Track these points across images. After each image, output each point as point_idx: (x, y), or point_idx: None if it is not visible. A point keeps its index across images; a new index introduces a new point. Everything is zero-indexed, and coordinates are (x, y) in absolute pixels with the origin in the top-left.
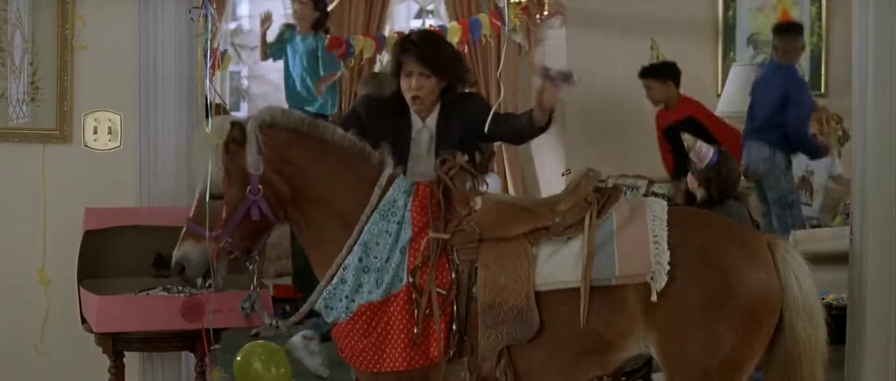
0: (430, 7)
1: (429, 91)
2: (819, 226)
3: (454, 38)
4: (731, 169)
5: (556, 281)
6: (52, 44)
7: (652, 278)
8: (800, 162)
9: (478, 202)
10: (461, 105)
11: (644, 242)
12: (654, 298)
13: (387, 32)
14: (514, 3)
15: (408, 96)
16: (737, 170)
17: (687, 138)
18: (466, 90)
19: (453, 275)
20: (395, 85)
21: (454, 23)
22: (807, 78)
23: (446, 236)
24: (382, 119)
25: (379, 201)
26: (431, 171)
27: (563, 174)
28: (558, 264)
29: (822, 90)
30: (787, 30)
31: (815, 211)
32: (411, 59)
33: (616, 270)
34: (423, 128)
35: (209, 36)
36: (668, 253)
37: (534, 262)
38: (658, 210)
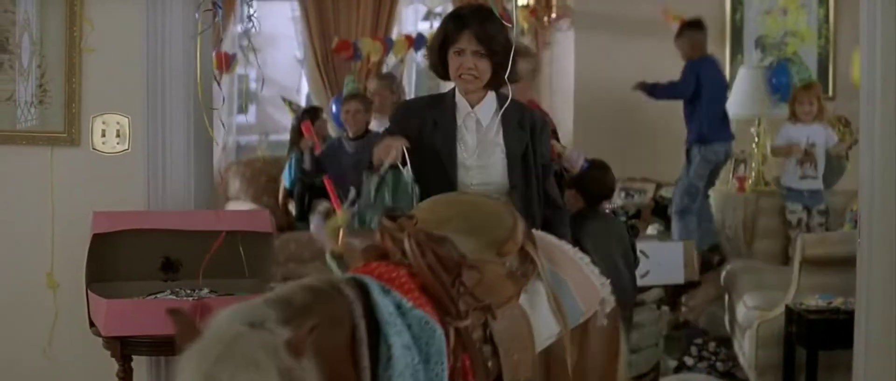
0: (439, 10)
1: (482, 71)
2: (827, 229)
3: None
4: (603, 175)
5: (550, 336)
6: (61, 46)
7: (602, 305)
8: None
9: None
10: (529, 110)
11: (583, 271)
12: (603, 322)
13: (394, 35)
14: (522, 5)
15: (455, 74)
16: (611, 177)
17: (556, 145)
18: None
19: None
20: (439, 64)
21: None
22: (814, 79)
23: (468, 322)
24: (424, 110)
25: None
26: (484, 160)
27: None
28: (543, 319)
29: (830, 93)
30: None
31: (819, 182)
32: (466, 35)
33: (581, 307)
34: (471, 114)
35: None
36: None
37: (530, 324)
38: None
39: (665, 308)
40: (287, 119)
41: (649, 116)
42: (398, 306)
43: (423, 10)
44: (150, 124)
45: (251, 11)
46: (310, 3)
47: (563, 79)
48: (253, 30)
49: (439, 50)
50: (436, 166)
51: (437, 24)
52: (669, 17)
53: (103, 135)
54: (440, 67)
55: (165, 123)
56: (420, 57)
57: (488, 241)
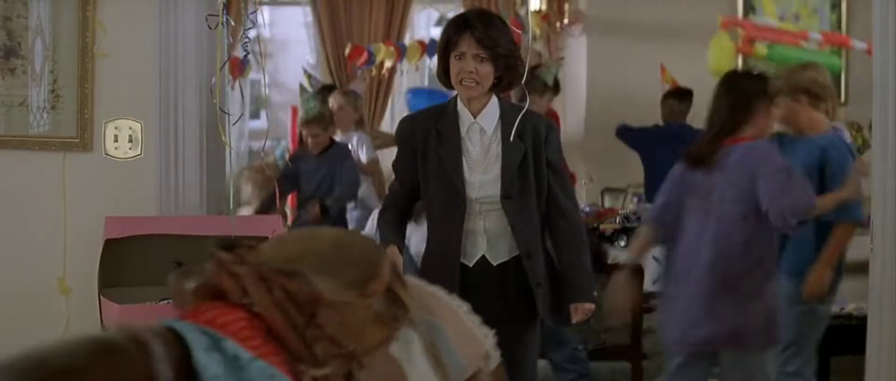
0: (451, 15)
1: (483, 76)
2: None
3: None
4: None
5: None
6: (73, 52)
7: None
8: None
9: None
10: (534, 117)
11: (463, 322)
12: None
13: (406, 41)
14: (534, 11)
15: (457, 79)
16: None
17: None
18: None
19: None
20: (443, 71)
21: None
22: None
23: (326, 371)
24: (428, 122)
25: None
26: (489, 172)
27: (585, 183)
28: (419, 372)
29: (843, 99)
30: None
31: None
32: (466, 38)
33: (462, 362)
34: (474, 124)
35: (227, 42)
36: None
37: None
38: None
39: None
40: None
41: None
42: (234, 359)
43: (435, 15)
44: (162, 129)
45: (255, 15)
46: (322, 8)
47: (575, 85)
48: (261, 34)
49: (442, 56)
50: (443, 180)
51: None
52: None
53: (116, 140)
54: (444, 74)
55: (178, 129)
56: (433, 63)
57: (349, 280)
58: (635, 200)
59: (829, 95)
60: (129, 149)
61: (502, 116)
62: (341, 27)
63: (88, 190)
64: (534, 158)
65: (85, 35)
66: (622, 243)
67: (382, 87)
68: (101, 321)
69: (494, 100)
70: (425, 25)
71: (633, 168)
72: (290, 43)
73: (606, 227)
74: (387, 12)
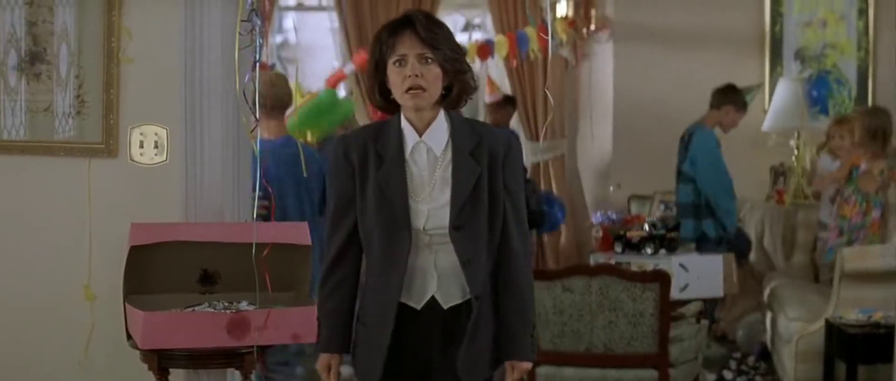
0: (477, 20)
1: (431, 80)
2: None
3: (501, 52)
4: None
5: None
6: (99, 57)
7: None
8: None
9: None
10: (491, 134)
11: None
12: None
13: None
14: (560, 17)
15: (401, 90)
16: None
17: None
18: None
19: None
20: (373, 91)
21: (501, 36)
22: (854, 92)
23: None
24: (367, 143)
25: None
26: (437, 199)
27: (612, 189)
28: None
29: (870, 103)
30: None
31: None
32: (406, 38)
33: None
34: (420, 145)
35: (260, 45)
36: None
37: None
38: None
39: (704, 322)
40: None
41: None
42: None
43: (461, 20)
44: (188, 135)
45: (282, 21)
46: (348, 13)
47: (602, 91)
48: (288, 40)
49: (376, 70)
50: (384, 209)
51: (477, 35)
52: None
53: (141, 146)
54: (379, 95)
55: (204, 134)
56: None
57: None
58: (662, 206)
59: None
60: (155, 155)
61: (453, 133)
62: (367, 32)
63: (114, 196)
64: (489, 182)
65: (110, 40)
66: (649, 251)
67: None
68: (126, 328)
69: (443, 115)
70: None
71: (659, 175)
72: (316, 49)
73: (633, 234)
74: None
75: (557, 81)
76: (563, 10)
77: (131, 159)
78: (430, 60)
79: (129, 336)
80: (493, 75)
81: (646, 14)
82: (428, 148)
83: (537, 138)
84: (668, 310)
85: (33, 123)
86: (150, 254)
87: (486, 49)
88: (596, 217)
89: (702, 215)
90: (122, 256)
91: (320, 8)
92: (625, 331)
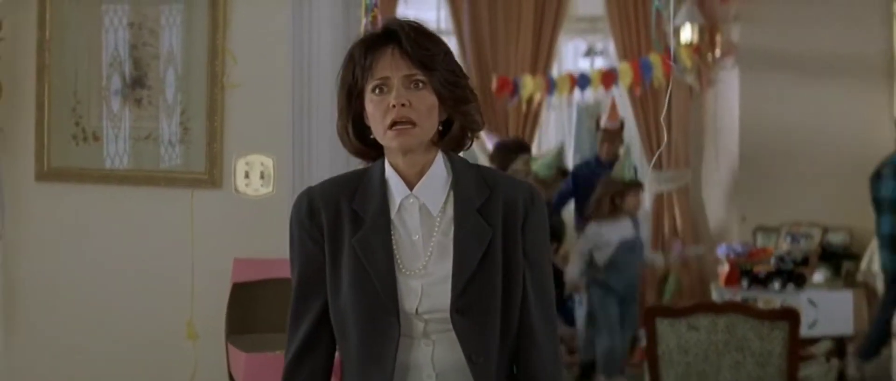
0: (600, 46)
1: (423, 112)
2: None
3: (625, 80)
4: None
5: None
6: (202, 81)
7: None
8: None
9: None
10: (506, 184)
11: None
12: None
13: (554, 73)
14: (685, 43)
15: (383, 125)
16: None
17: None
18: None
19: None
20: (345, 130)
21: (624, 63)
22: None
23: None
24: (338, 199)
25: None
26: (434, 273)
27: (742, 221)
28: None
29: None
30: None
31: None
32: (389, 58)
33: None
34: (410, 200)
35: None
36: None
37: None
38: None
39: (834, 361)
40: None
41: (818, 159)
42: None
43: (583, 46)
44: (296, 165)
45: None
46: (468, 39)
47: (727, 119)
48: None
49: (350, 102)
50: (363, 289)
51: (599, 61)
52: None
53: (247, 176)
54: (354, 134)
55: (313, 164)
56: (582, 96)
57: None
58: (788, 239)
59: None
60: (261, 186)
61: (455, 184)
62: (487, 59)
63: (217, 229)
64: (505, 249)
65: (214, 64)
66: (777, 286)
67: (529, 120)
68: (229, 369)
69: (440, 159)
70: (572, 57)
71: (786, 206)
72: None
73: (760, 269)
74: (534, 43)
75: (682, 109)
76: (687, 35)
77: (236, 190)
78: (421, 85)
79: (231, 378)
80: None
81: (773, 39)
82: (421, 204)
83: (660, 167)
84: (798, 350)
85: (135, 151)
86: (254, 291)
87: (610, 77)
88: (720, 250)
89: None
90: (225, 292)
91: (438, 32)
92: (752, 371)
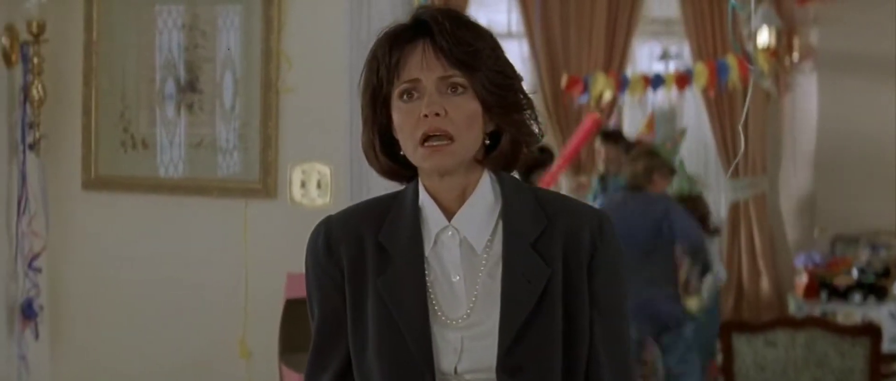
0: (674, 50)
1: (463, 122)
2: None
3: (700, 82)
4: None
5: None
6: (255, 86)
7: None
8: None
9: None
10: (570, 212)
11: None
12: None
13: (628, 74)
14: (762, 47)
15: (413, 140)
16: None
17: None
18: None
19: None
20: (371, 145)
21: (700, 64)
22: None
23: None
24: (360, 229)
25: None
26: (479, 323)
27: (816, 234)
28: None
29: None
30: None
31: None
32: (420, 55)
33: None
34: (448, 232)
35: None
36: None
37: None
38: None
39: None
40: None
41: None
42: None
43: (657, 49)
44: (354, 174)
45: None
46: (540, 40)
47: (804, 125)
48: None
49: (373, 113)
50: (395, 342)
51: (673, 65)
52: None
53: (302, 186)
54: (382, 150)
55: (371, 172)
56: (655, 98)
57: None
58: (868, 249)
59: None
60: (317, 196)
61: (505, 212)
62: (558, 60)
63: (271, 242)
64: (567, 293)
65: (268, 68)
66: (858, 299)
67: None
68: None
69: (488, 180)
70: (647, 59)
71: (867, 215)
72: None
73: (840, 282)
74: (607, 45)
75: (758, 115)
76: (764, 39)
77: (291, 200)
78: (460, 89)
79: None
80: (686, 107)
81: (853, 42)
82: (462, 238)
83: (736, 175)
84: (880, 367)
85: (188, 159)
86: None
87: (684, 78)
88: (798, 260)
89: None
90: (278, 308)
91: (509, 35)
92: None
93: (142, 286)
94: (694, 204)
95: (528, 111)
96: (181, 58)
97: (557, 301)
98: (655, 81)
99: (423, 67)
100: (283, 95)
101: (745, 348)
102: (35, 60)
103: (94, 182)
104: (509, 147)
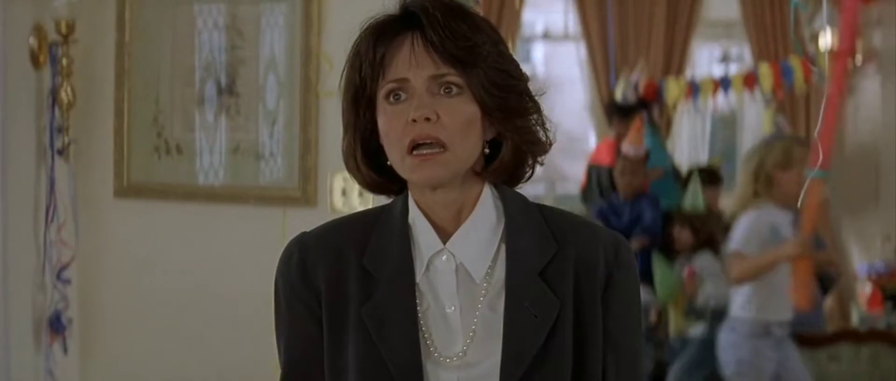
0: (734, 52)
1: (457, 127)
2: None
3: (766, 82)
4: None
5: None
6: (294, 88)
7: None
8: None
9: None
10: (584, 235)
11: None
12: None
13: (687, 78)
14: (824, 50)
15: (400, 148)
16: None
17: None
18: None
19: None
20: (352, 153)
21: (765, 65)
22: None
23: None
24: (344, 252)
25: None
26: (477, 362)
27: (885, 239)
28: None
29: None
30: None
31: None
32: (408, 50)
33: None
34: (443, 256)
35: None
36: None
37: None
38: None
39: None
40: (576, 168)
41: None
42: None
43: (715, 51)
44: None
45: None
46: (596, 43)
47: (867, 129)
48: (535, 71)
49: (356, 117)
50: (375, 379)
51: (734, 67)
52: None
53: (343, 194)
54: (364, 164)
55: None
56: (717, 103)
57: None
58: None
59: None
60: (359, 204)
61: (509, 233)
62: (616, 63)
63: None
64: (578, 328)
65: (308, 69)
66: None
67: (662, 127)
68: None
69: (489, 195)
70: (707, 62)
71: None
72: (564, 82)
73: None
74: (665, 48)
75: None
76: (826, 41)
77: (332, 209)
78: (454, 89)
79: None
80: (745, 109)
81: None
82: (458, 263)
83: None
84: None
85: (228, 164)
86: None
87: (751, 78)
88: (861, 268)
89: None
90: None
91: (566, 37)
92: None
93: (175, 298)
94: (702, 222)
95: (535, 116)
96: (221, 60)
97: (568, 338)
98: (724, 84)
99: (411, 63)
100: (323, 99)
101: (808, 364)
102: (64, 62)
103: (127, 189)
104: (512, 157)
